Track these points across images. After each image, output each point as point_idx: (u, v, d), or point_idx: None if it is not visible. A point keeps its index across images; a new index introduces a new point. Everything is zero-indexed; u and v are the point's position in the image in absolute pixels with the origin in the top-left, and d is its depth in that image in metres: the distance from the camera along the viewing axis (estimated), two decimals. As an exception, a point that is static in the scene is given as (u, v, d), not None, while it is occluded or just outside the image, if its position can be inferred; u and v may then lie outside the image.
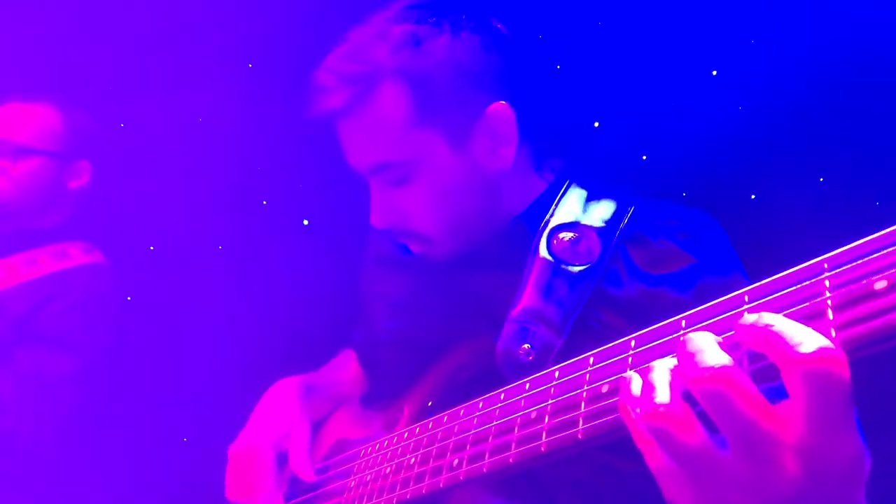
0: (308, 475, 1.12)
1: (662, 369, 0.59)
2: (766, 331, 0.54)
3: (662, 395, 0.57)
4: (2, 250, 1.86)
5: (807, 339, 0.52)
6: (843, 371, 0.51)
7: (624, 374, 0.64)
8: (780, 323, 0.54)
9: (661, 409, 0.56)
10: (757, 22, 1.81)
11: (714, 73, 1.87)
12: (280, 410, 1.18)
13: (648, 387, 0.58)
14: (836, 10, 1.68)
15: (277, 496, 1.11)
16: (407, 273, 1.30)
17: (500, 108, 1.15)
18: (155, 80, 2.24)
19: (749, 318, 0.56)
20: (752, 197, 1.81)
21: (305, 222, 2.24)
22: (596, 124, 1.97)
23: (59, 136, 1.90)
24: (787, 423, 0.53)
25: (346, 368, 1.39)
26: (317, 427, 1.20)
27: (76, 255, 1.89)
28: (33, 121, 1.89)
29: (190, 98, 2.24)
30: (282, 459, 1.15)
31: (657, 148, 1.92)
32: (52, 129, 1.90)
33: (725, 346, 0.57)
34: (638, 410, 0.58)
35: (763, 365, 0.56)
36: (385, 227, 1.16)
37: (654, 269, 1.07)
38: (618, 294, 1.06)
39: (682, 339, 0.59)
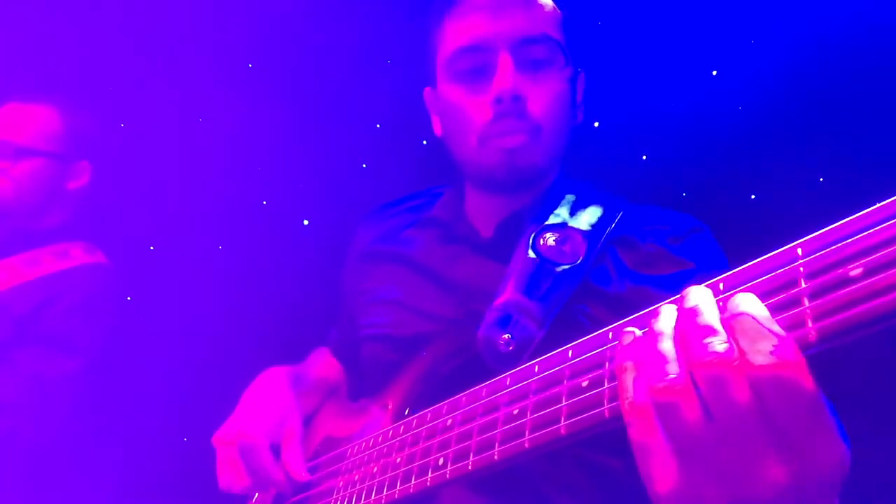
0: (300, 475, 1.09)
1: (669, 341, 0.58)
2: (739, 322, 0.54)
3: (673, 368, 0.56)
4: (3, 250, 1.86)
5: (766, 346, 0.52)
6: (804, 379, 0.51)
7: (626, 331, 0.62)
8: (752, 315, 0.53)
9: (671, 382, 0.55)
10: (757, 22, 1.80)
11: (714, 73, 1.87)
12: (272, 398, 1.17)
13: (659, 357, 0.57)
14: (835, 11, 1.67)
15: (296, 470, 1.09)
16: (391, 268, 1.30)
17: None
18: (155, 81, 2.25)
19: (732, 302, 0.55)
20: (752, 197, 1.80)
21: (306, 222, 2.25)
22: (596, 124, 1.97)
23: (59, 136, 1.90)
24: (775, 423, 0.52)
25: (327, 363, 1.39)
26: (306, 423, 1.19)
27: (77, 255, 1.89)
28: (33, 122, 1.89)
29: (190, 98, 2.25)
30: (273, 452, 1.12)
31: (657, 148, 1.92)
32: (52, 130, 1.90)
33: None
34: (634, 381, 0.58)
35: None
36: (513, 94, 1.13)
37: (643, 270, 1.08)
38: (606, 289, 1.07)
39: (686, 305, 0.57)
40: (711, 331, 0.54)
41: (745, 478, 0.53)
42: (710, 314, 0.56)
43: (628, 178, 1.88)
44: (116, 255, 1.97)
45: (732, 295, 0.57)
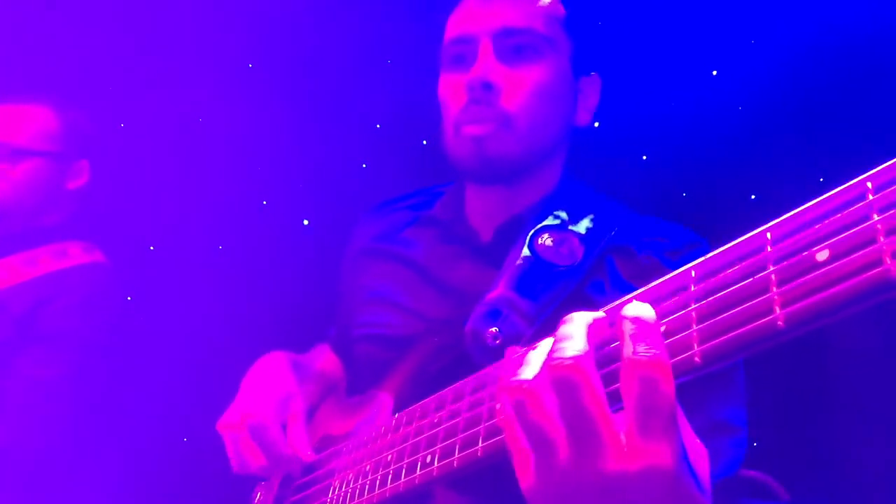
0: (306, 454, 1.09)
1: (536, 354, 0.62)
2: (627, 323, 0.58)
3: (529, 370, 0.60)
4: (1, 250, 1.86)
5: (645, 344, 0.56)
6: (667, 384, 0.54)
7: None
8: (638, 320, 0.57)
9: (525, 383, 0.59)
10: (757, 22, 1.80)
11: (714, 73, 1.87)
12: (274, 380, 1.16)
13: (522, 363, 0.62)
14: (835, 11, 1.67)
15: (302, 450, 1.09)
16: (388, 267, 1.29)
17: (597, 78, 1.28)
18: (155, 80, 2.25)
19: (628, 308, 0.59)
20: (753, 197, 1.81)
21: (305, 222, 2.25)
22: (596, 124, 1.97)
23: (57, 136, 1.89)
24: (616, 424, 0.56)
25: (328, 359, 1.38)
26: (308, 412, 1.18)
27: (76, 255, 1.88)
28: (30, 122, 1.88)
29: (190, 98, 2.25)
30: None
31: (657, 148, 1.92)
32: (50, 130, 1.89)
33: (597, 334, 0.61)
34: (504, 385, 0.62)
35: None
36: (483, 81, 1.11)
37: (638, 283, 1.07)
38: (600, 300, 1.05)
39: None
40: (569, 338, 0.59)
41: (581, 471, 0.57)
42: (575, 324, 0.60)
43: (629, 178, 1.88)
44: (116, 255, 1.97)
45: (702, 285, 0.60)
